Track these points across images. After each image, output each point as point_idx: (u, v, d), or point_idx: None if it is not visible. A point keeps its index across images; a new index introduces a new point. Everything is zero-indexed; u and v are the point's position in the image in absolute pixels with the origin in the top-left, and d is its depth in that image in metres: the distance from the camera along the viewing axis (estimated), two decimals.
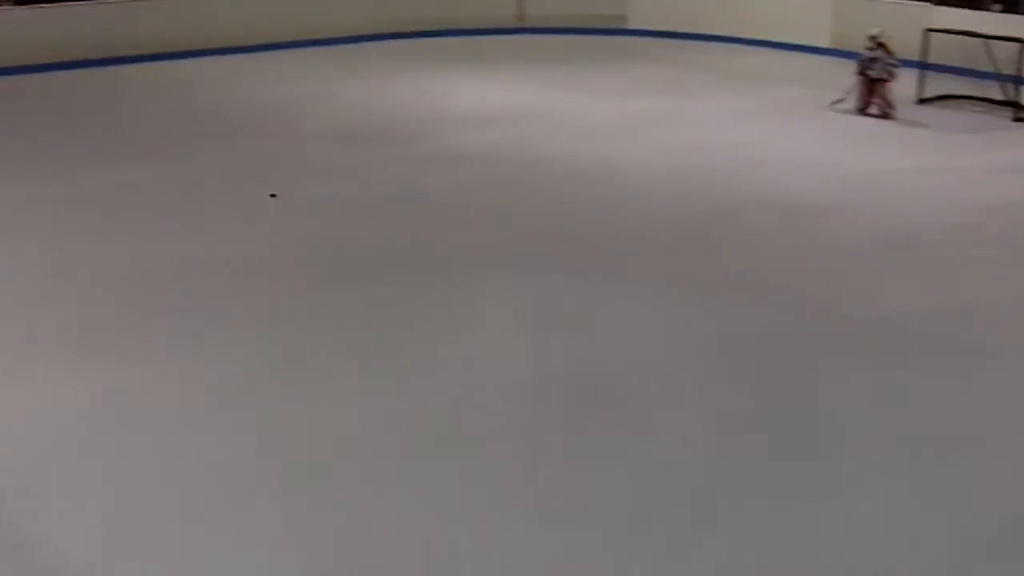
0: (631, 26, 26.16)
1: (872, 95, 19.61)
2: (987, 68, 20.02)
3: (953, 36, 20.26)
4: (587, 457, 9.16)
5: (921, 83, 20.11)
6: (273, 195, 15.23)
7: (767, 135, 18.66)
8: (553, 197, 15.62)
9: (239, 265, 12.98)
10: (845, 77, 20.19)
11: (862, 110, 19.61)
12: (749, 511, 8.39)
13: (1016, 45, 19.33)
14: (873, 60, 19.53)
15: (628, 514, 8.36)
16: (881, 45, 19.48)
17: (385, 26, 25.29)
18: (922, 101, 20.11)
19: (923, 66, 20.11)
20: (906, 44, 19.72)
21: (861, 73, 19.66)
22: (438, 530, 8.16)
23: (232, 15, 24.32)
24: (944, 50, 20.17)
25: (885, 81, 19.53)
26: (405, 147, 17.84)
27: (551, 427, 9.65)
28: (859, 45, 20.92)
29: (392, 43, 24.93)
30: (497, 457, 9.18)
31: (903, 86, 19.74)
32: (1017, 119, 19.30)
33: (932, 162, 17.16)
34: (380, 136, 18.43)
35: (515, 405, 10.09)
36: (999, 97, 19.82)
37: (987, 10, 22.69)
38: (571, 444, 9.35)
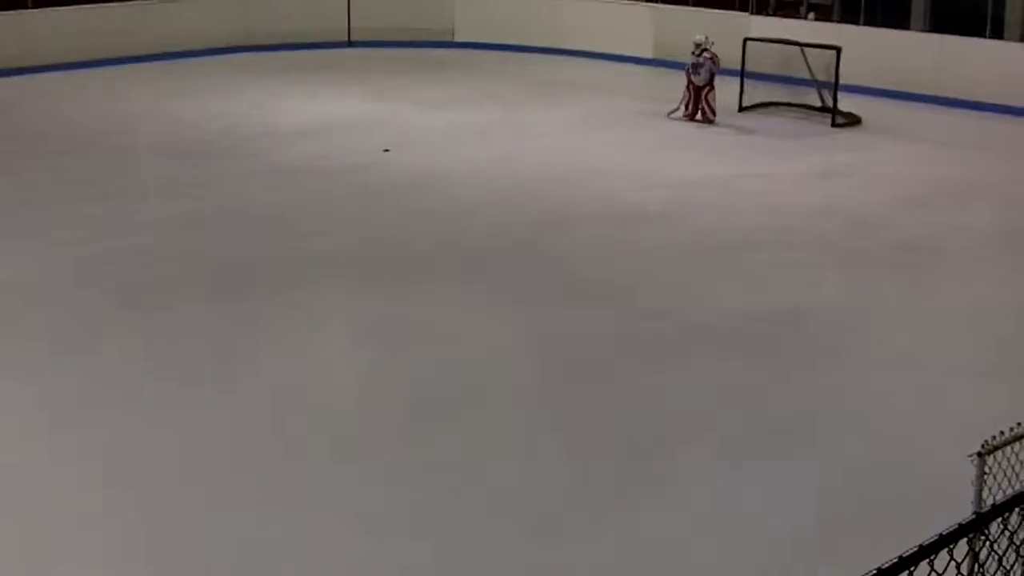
0: (458, 39, 26.36)
1: (698, 102, 20.12)
2: (804, 75, 20.62)
3: (771, 44, 20.83)
4: (425, 465, 9.20)
5: (742, 91, 20.65)
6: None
7: (595, 144, 18.98)
8: (385, 209, 15.68)
9: (58, 283, 12.82)
10: (668, 86, 20.63)
11: (691, 117, 20.11)
12: (588, 512, 8.52)
13: (831, 52, 19.97)
14: (698, 67, 20.03)
15: (465, 519, 8.41)
16: (705, 52, 19.99)
17: (216, 41, 25.09)
18: (743, 109, 20.66)
19: (743, 74, 20.65)
20: (725, 53, 20.24)
21: (689, 81, 20.15)
22: (274, 546, 8.14)
23: (54, 31, 23.81)
24: (762, 58, 20.74)
25: (709, 88, 20.07)
26: (239, 161, 17.74)
27: (392, 434, 9.70)
28: (681, 55, 21.46)
29: (223, 58, 24.80)
30: (338, 467, 9.21)
31: (724, 94, 20.27)
32: (835, 125, 19.95)
33: (755, 168, 17.65)
34: (213, 150, 18.27)
35: (356, 414, 10.15)
36: (816, 104, 20.45)
37: (802, 19, 23.44)
38: (410, 453, 9.40)
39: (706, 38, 20.11)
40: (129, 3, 24.76)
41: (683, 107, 20.17)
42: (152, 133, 19.35)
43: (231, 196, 16.12)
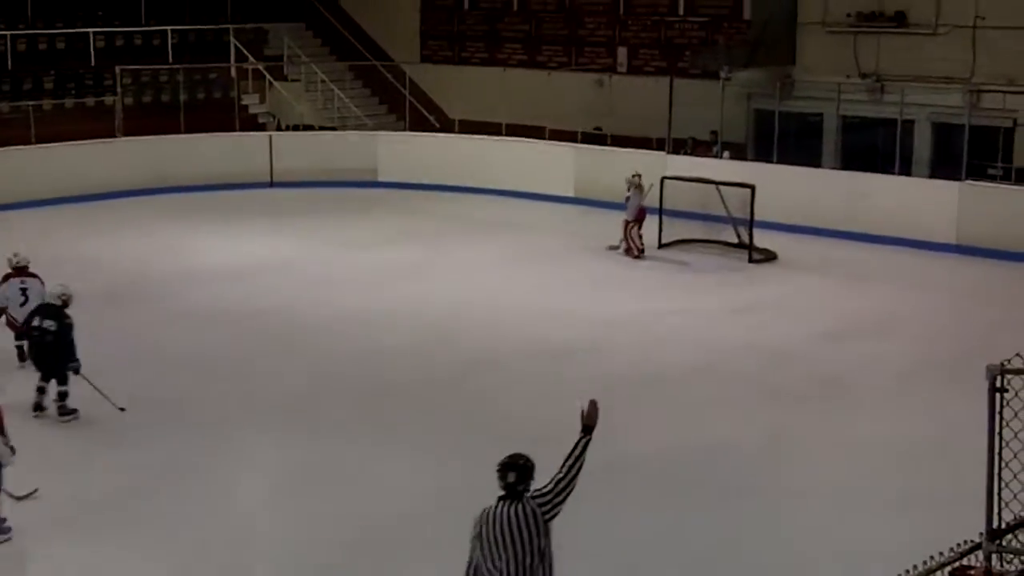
0: (381, 179, 26.59)
1: (625, 237, 20.54)
2: (721, 212, 21.05)
3: (688, 183, 21.27)
4: None
5: (660, 228, 21.01)
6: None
7: (518, 282, 19.18)
8: (306, 351, 15.67)
9: None
10: (589, 224, 20.95)
11: (627, 251, 20.46)
12: None
13: (746, 191, 20.43)
14: (627, 202, 20.49)
15: None
16: (637, 187, 20.44)
17: (134, 183, 25.06)
18: (663, 246, 21.02)
19: (661, 212, 21.04)
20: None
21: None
22: None
23: None
24: (680, 196, 21.18)
25: (634, 223, 20.47)
26: (154, 304, 17.71)
27: None
28: (601, 194, 21.88)
29: (141, 200, 24.69)
30: None
31: (645, 231, 20.64)
32: (752, 260, 20.33)
33: (675, 304, 17.91)
34: (128, 294, 18.21)
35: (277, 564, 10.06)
36: (733, 240, 20.85)
37: (718, 158, 23.99)
38: None
39: (635, 175, 20.57)
40: (40, 146, 24.58)
41: (622, 243, 20.57)
42: (65, 276, 19.15)
43: (148, 339, 16.05)
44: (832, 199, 22.14)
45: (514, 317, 17.21)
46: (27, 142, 24.57)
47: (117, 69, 27.03)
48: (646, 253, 20.56)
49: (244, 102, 28.65)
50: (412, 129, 27.97)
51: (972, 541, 5.69)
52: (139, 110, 27.23)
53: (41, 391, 13.18)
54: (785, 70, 24.89)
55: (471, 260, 20.53)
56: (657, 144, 24.33)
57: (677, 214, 21.19)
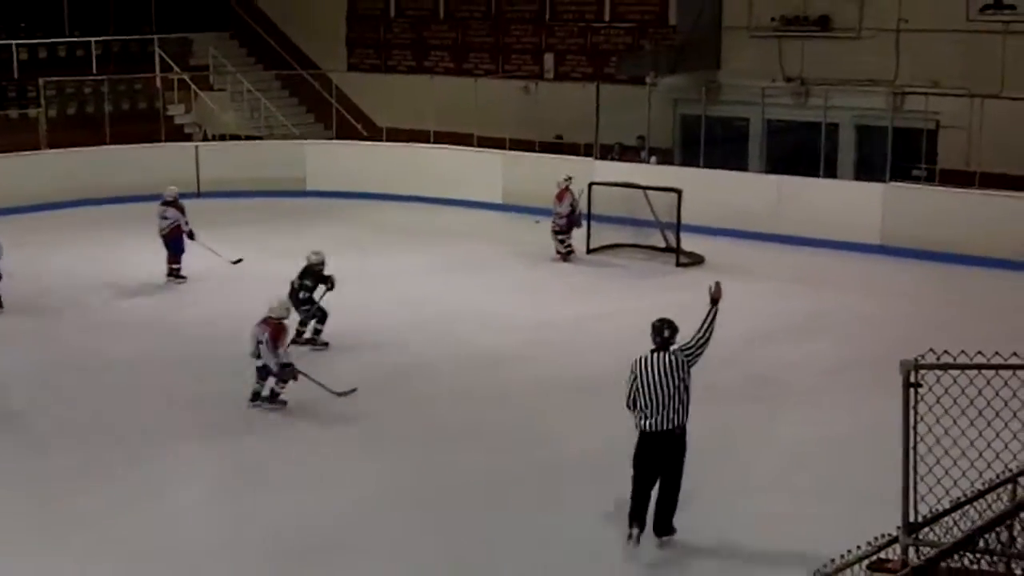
0: (309, 187, 26.47)
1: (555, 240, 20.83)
2: (648, 217, 21.14)
3: (615, 188, 21.35)
4: None
5: (588, 234, 21.06)
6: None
7: (448, 288, 19.18)
8: (237, 358, 15.53)
9: None
10: (517, 230, 20.96)
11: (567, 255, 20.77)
12: None
13: (673, 195, 20.53)
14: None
15: None
16: (562, 191, 20.55)
17: (58, 196, 24.76)
18: (591, 251, 21.09)
19: (589, 217, 21.11)
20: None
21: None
22: None
23: None
24: (608, 202, 21.26)
25: (556, 230, 20.57)
26: (80, 314, 17.56)
27: None
28: (529, 200, 21.93)
29: (66, 212, 24.41)
30: None
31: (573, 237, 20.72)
32: (679, 264, 20.43)
33: (604, 308, 17.97)
34: (53, 306, 18.05)
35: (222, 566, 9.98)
36: (661, 244, 20.95)
37: (645, 163, 24.11)
38: None
39: (564, 179, 20.65)
40: None
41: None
42: None
43: (71, 351, 15.91)
44: (758, 202, 22.30)
45: (446, 324, 17.20)
46: None
47: (40, 81, 26.73)
48: (573, 257, 20.65)
49: (170, 112, 28.47)
50: (340, 137, 27.89)
51: (890, 535, 5.73)
52: (63, 122, 27.01)
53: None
54: (711, 75, 25.09)
55: (401, 268, 20.48)
56: (585, 150, 24.42)
57: (605, 219, 21.26)
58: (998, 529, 5.49)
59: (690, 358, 10.25)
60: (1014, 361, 5.62)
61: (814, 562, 5.71)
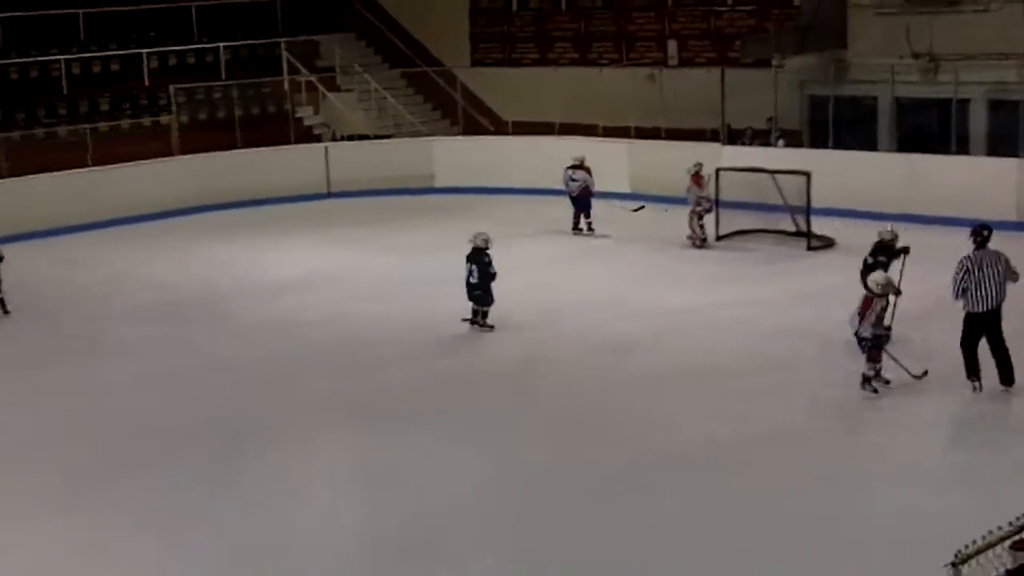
0: (438, 184, 26.72)
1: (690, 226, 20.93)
2: (777, 201, 20.97)
3: (743, 173, 21.22)
4: None
5: (717, 220, 20.96)
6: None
7: (579, 279, 19.29)
8: (372, 360, 15.81)
9: (46, 440, 13.08)
10: (643, 219, 20.96)
11: (691, 241, 20.81)
12: None
13: (802, 178, 20.33)
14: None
15: None
16: (694, 177, 20.55)
17: (192, 201, 25.34)
18: (720, 238, 20.97)
19: (717, 204, 21.00)
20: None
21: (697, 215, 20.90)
22: None
23: (26, 198, 23.82)
24: (736, 187, 21.13)
25: (701, 213, 20.67)
26: (221, 319, 17.91)
27: None
28: (656, 188, 21.89)
29: (200, 217, 24.99)
30: None
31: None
32: (810, 248, 20.23)
33: (735, 295, 17.86)
34: (196, 309, 18.47)
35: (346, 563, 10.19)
36: (791, 228, 20.76)
37: (773, 146, 23.90)
38: None
39: (695, 164, 20.73)
40: (98, 168, 24.84)
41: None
42: (129, 295, 19.48)
43: (208, 353, 16.27)
44: (888, 182, 21.96)
45: (575, 312, 17.29)
46: (84, 165, 24.93)
47: (171, 88, 27.39)
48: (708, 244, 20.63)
49: (298, 115, 28.93)
50: (466, 133, 28.11)
51: None
52: (195, 127, 27.55)
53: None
54: (837, 54, 24.74)
55: (533, 259, 20.52)
56: (711, 136, 24.28)
57: (733, 205, 21.13)
58: None
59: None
60: None
61: (954, 546, 5.67)
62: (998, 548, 5.57)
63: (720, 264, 19.87)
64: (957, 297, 13.11)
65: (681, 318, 16.82)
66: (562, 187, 22.70)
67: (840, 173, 21.84)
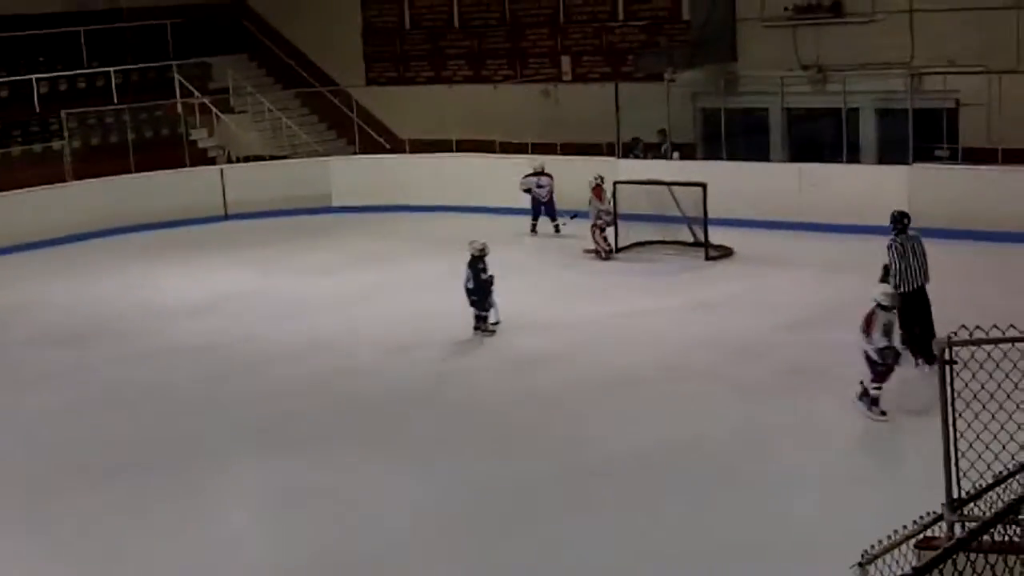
0: (336, 203, 26.63)
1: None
2: (675, 213, 21.20)
3: (640, 186, 21.43)
4: None
5: (616, 232, 21.13)
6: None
7: None
8: (275, 379, 15.73)
9: None
10: (547, 233, 21.09)
11: (596, 253, 21.02)
12: None
13: (698, 189, 20.59)
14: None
15: None
16: (595, 190, 20.80)
17: (88, 226, 24.98)
18: (620, 249, 21.16)
19: (616, 216, 21.17)
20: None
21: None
22: None
23: None
24: (633, 199, 21.34)
25: (602, 227, 20.93)
26: (121, 344, 17.68)
27: None
28: (556, 202, 22.10)
29: (96, 242, 24.64)
30: None
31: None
32: (708, 258, 20.48)
33: (637, 306, 18.03)
34: (99, 336, 18.20)
35: None
36: (689, 239, 21.01)
37: (667, 157, 24.19)
38: None
39: (596, 178, 21.11)
40: None
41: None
42: (29, 323, 19.17)
43: (114, 379, 16.04)
44: (783, 191, 22.33)
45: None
46: None
47: (62, 113, 27.00)
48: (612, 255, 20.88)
49: (193, 137, 28.69)
50: (363, 152, 28.06)
51: (935, 513, 5.81)
52: (88, 153, 27.22)
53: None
54: (728, 67, 25.12)
55: (433, 277, 20.49)
56: (608, 150, 24.50)
57: (632, 217, 21.33)
58: None
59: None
60: None
61: (860, 548, 5.79)
62: (903, 547, 5.70)
63: (624, 276, 20.03)
64: (895, 281, 14.16)
65: (591, 330, 16.94)
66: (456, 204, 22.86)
67: (735, 184, 22.15)
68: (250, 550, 11.01)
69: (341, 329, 17.71)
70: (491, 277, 17.02)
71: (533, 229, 23.42)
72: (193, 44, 30.10)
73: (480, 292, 16.90)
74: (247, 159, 28.36)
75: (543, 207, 23.33)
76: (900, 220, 14.66)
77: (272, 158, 28.24)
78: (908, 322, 14.00)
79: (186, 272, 21.99)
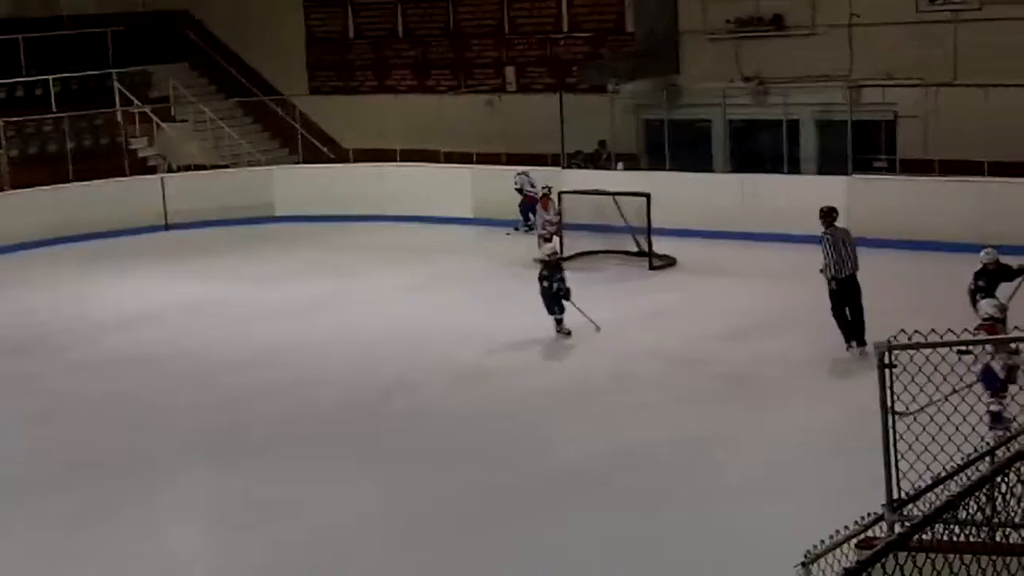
0: (279, 213, 26.52)
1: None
2: (619, 222, 21.32)
3: (585, 196, 21.55)
4: None
5: (561, 242, 21.18)
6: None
7: (428, 306, 19.28)
8: (225, 386, 15.64)
9: None
10: (489, 243, 21.13)
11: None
12: None
13: (641, 199, 20.71)
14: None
15: None
16: (542, 200, 20.95)
17: (26, 236, 24.70)
18: (565, 259, 21.15)
19: (560, 226, 21.26)
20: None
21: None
22: None
23: None
24: (578, 209, 21.45)
25: (547, 238, 21.07)
26: (62, 355, 17.52)
27: None
28: (500, 212, 22.10)
29: (35, 252, 24.36)
30: None
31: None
32: (652, 268, 20.60)
33: (582, 316, 18.03)
34: (39, 347, 18.02)
35: None
36: (633, 249, 21.12)
37: (609, 168, 24.32)
38: None
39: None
40: None
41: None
42: None
43: (56, 391, 15.88)
44: (725, 202, 22.51)
45: (427, 341, 17.28)
46: None
47: (0, 121, 26.70)
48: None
49: (133, 146, 28.47)
50: (306, 161, 27.99)
51: (876, 514, 5.89)
52: (26, 162, 26.90)
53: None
54: (671, 79, 25.29)
55: (379, 288, 20.52)
56: (552, 160, 24.59)
57: (576, 227, 21.43)
58: (981, 501, 5.64)
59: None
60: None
61: (802, 550, 5.87)
62: (845, 547, 5.77)
63: (571, 286, 20.03)
64: (831, 271, 15.36)
65: (539, 340, 16.96)
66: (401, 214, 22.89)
67: (678, 194, 22.29)
68: (196, 562, 10.94)
69: (286, 339, 17.63)
70: (549, 287, 16.96)
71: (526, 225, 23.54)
72: (134, 52, 29.85)
73: (544, 298, 16.94)
74: (188, 168, 28.16)
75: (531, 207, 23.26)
76: (829, 215, 15.81)
77: (214, 167, 28.07)
78: (840, 307, 15.28)
79: (127, 282, 21.80)
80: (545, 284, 16.92)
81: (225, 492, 12.38)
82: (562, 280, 17.07)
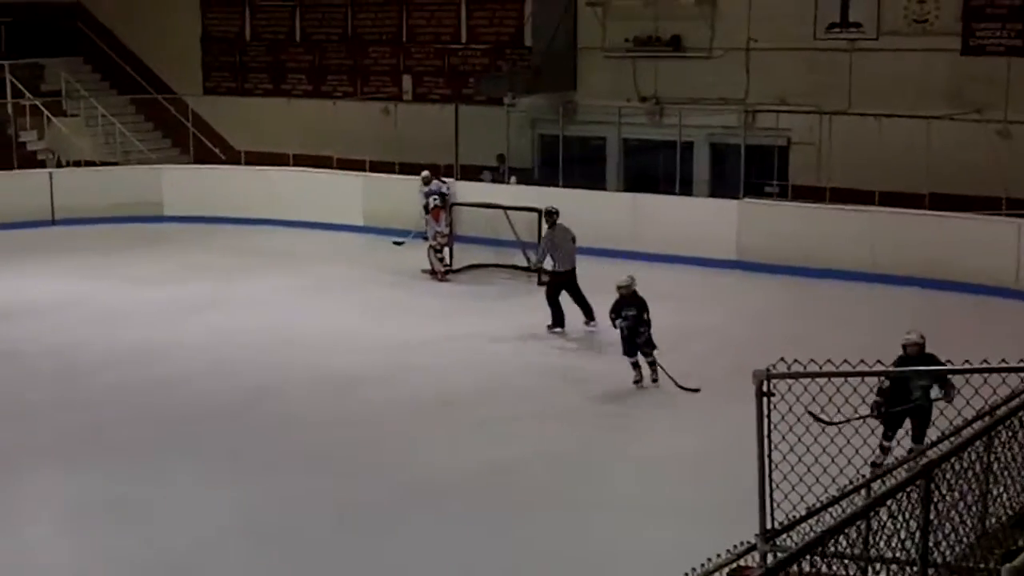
0: (167, 213, 26.10)
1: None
2: (510, 236, 21.29)
3: (476, 208, 21.49)
4: None
5: (451, 254, 21.15)
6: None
7: (311, 313, 19.09)
8: (90, 388, 15.35)
9: None
10: (378, 252, 20.98)
11: (432, 273, 21.04)
12: None
13: (533, 214, 20.68)
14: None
15: None
16: (434, 211, 20.81)
17: None
18: (454, 270, 21.16)
19: (451, 238, 21.18)
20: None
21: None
22: None
23: None
24: (469, 222, 21.38)
25: (438, 248, 20.96)
26: None
27: None
28: (390, 222, 21.96)
29: None
30: None
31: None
32: (540, 283, 20.54)
33: (465, 328, 18.04)
34: None
35: None
36: (523, 263, 21.08)
37: (504, 182, 24.30)
38: None
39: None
40: None
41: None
42: None
43: None
44: (616, 220, 22.58)
45: (306, 347, 17.12)
46: None
47: None
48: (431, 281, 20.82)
49: (22, 139, 27.84)
50: (197, 162, 27.60)
51: (749, 542, 5.88)
52: None
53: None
54: (567, 95, 25.34)
55: (261, 292, 20.31)
56: (446, 171, 24.49)
57: (467, 239, 21.38)
58: (853, 535, 5.66)
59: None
60: (861, 369, 5.82)
61: (677, 573, 5.84)
62: (717, 575, 5.76)
63: (455, 298, 20.03)
64: (541, 262, 18.31)
65: (418, 351, 16.88)
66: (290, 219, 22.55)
67: (570, 210, 22.21)
68: (46, 564, 10.66)
69: (164, 340, 17.37)
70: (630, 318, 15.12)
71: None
72: (26, 44, 29.24)
73: (623, 338, 15.18)
74: (78, 164, 27.63)
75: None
76: (550, 215, 18.40)
77: (104, 164, 27.56)
78: (557, 296, 17.84)
79: (5, 277, 21.31)
80: (612, 317, 15.42)
81: (80, 492, 12.12)
82: (635, 320, 14.95)
